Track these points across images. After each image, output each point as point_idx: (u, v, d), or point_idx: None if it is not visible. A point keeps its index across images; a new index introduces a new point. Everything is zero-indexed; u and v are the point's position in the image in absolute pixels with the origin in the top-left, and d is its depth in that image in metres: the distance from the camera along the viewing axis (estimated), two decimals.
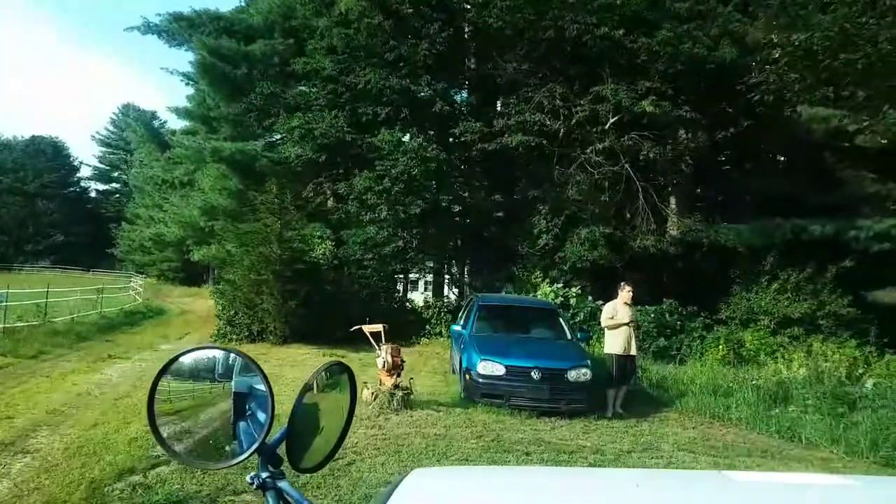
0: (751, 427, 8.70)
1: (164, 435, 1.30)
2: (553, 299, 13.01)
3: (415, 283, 26.10)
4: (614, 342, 9.15)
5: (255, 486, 1.25)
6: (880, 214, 15.14)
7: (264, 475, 1.25)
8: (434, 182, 16.77)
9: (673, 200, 19.14)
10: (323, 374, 1.43)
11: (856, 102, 10.86)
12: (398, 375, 8.46)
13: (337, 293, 14.95)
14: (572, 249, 14.99)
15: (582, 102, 14.60)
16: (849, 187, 16.35)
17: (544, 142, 14.98)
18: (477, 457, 6.38)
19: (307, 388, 1.35)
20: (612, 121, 14.80)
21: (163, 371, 1.34)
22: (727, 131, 14.56)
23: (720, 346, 12.68)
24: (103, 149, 71.00)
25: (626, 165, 14.83)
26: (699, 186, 21.47)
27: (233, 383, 1.36)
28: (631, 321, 9.14)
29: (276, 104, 17.51)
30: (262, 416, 1.31)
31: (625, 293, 9.29)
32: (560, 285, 13.23)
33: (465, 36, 18.10)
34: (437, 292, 20.90)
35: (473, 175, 17.42)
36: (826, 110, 16.36)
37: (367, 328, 9.11)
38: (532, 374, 8.68)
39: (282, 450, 1.29)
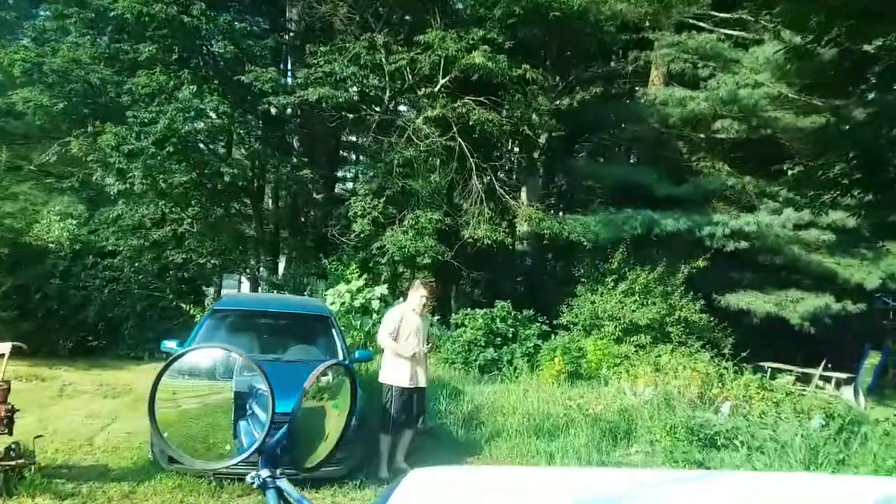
0: None
1: (165, 434, 1.27)
2: (349, 301, 9.93)
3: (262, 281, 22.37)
4: (396, 368, 6.18)
5: (255, 486, 1.23)
6: (736, 210, 13.68)
7: (264, 474, 1.24)
8: (222, 147, 13.13)
9: (524, 191, 17.03)
10: (324, 374, 1.43)
11: None
12: (7, 432, 4.95)
13: (69, 291, 10.95)
14: (392, 238, 12.06)
15: (402, 49, 11.65)
16: (704, 179, 14.86)
17: (356, 98, 11.89)
18: None
19: (307, 389, 1.34)
20: (442, 82, 12.01)
21: (164, 370, 1.30)
22: (573, 99, 12.21)
23: (556, 359, 10.23)
24: None
25: (459, 138, 12.09)
26: (553, 178, 19.74)
27: (233, 383, 1.35)
28: (429, 342, 6.35)
29: (8, 35, 13.00)
30: (262, 416, 1.32)
31: (417, 297, 6.36)
32: (361, 284, 10.20)
33: None
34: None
35: (280, 144, 13.94)
36: (682, 91, 14.74)
37: None
38: None
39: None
